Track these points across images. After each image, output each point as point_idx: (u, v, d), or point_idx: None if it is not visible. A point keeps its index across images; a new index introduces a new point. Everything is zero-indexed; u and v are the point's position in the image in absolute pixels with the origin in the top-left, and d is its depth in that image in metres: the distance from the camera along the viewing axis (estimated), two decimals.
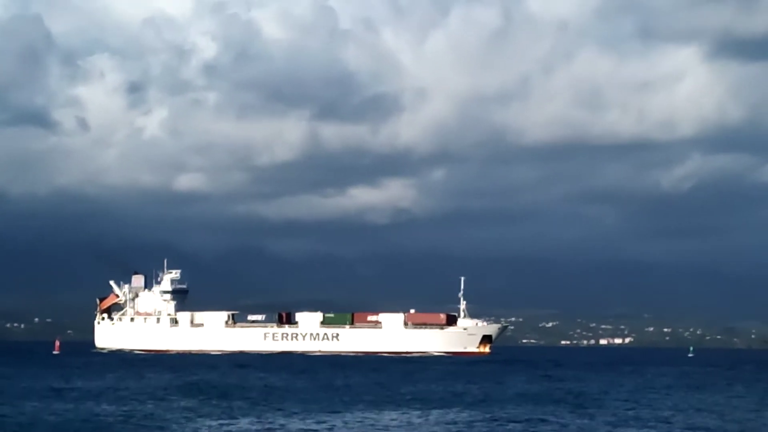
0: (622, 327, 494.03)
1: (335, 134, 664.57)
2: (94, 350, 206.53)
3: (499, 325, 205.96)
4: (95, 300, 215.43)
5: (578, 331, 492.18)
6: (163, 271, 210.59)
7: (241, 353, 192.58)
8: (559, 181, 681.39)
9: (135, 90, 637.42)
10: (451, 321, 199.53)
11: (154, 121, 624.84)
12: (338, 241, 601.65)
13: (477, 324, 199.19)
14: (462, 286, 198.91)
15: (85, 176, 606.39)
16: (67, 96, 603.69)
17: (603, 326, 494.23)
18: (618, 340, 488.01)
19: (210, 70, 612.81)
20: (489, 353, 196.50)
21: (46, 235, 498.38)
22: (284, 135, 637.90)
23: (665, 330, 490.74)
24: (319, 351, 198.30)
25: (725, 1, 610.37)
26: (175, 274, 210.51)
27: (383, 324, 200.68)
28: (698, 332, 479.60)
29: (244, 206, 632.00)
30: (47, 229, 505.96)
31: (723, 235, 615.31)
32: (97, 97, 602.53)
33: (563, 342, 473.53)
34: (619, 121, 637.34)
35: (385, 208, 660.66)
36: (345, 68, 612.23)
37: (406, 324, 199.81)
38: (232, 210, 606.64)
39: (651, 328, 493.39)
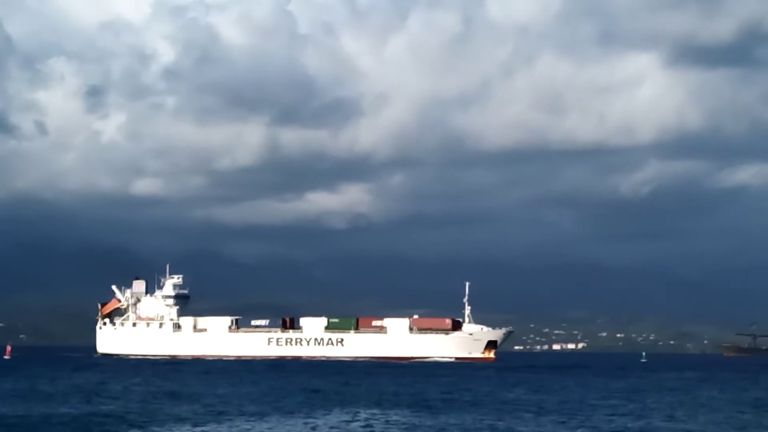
0: (575, 332, 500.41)
1: (294, 139, 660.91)
2: (96, 355, 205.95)
3: (504, 330, 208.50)
4: (97, 305, 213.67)
5: (532, 336, 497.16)
6: (165, 276, 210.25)
7: (246, 358, 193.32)
8: (517, 186, 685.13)
9: (95, 94, 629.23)
10: (457, 326, 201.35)
11: (111, 125, 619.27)
12: (295, 245, 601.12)
13: (482, 329, 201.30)
14: (467, 291, 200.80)
15: (43, 180, 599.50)
16: (26, 100, 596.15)
17: (556, 331, 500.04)
18: (571, 345, 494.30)
19: (170, 74, 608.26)
20: (494, 359, 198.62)
21: (2, 238, 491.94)
22: (243, 139, 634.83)
23: (618, 335, 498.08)
24: (324, 356, 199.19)
25: (688, 7, 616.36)
26: (178, 279, 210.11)
27: (388, 329, 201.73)
28: (651, 337, 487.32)
29: (202, 210, 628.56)
30: (4, 233, 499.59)
31: (679, 240, 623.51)
32: (56, 101, 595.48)
33: (516, 347, 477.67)
34: (578, 126, 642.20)
35: (343, 212, 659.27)
36: (305, 73, 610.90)
37: (411, 329, 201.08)
38: (190, 214, 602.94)
39: (604, 333, 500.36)
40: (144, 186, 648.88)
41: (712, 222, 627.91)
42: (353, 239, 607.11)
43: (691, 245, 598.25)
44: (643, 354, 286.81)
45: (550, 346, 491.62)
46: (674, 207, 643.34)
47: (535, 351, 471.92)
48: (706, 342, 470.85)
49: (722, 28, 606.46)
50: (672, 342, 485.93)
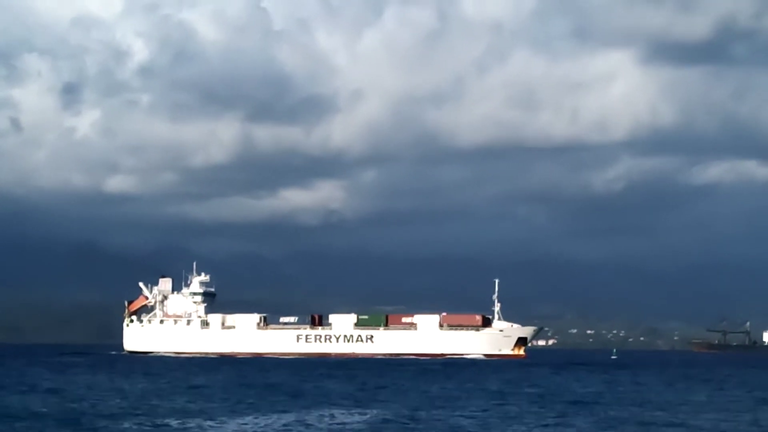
0: (546, 328, 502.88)
1: (268, 135, 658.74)
2: (124, 353, 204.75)
3: (534, 328, 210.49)
4: (123, 302, 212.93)
5: None
6: (192, 274, 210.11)
7: (275, 356, 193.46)
8: (490, 182, 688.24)
9: (69, 91, 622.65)
10: (486, 323, 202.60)
11: (85, 122, 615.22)
12: (267, 242, 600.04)
13: (512, 326, 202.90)
14: (496, 289, 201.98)
15: (15, 177, 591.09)
16: (1, 97, 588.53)
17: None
18: (541, 342, 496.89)
19: (145, 71, 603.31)
20: (525, 356, 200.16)
21: None
22: (217, 136, 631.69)
23: (588, 332, 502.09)
24: (353, 353, 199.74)
25: (663, 3, 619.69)
26: (205, 276, 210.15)
27: (418, 325, 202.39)
28: (621, 334, 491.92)
29: (174, 207, 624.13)
30: None
31: (651, 237, 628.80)
32: (30, 97, 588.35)
33: None
34: (552, 122, 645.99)
35: (316, 209, 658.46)
36: (279, 69, 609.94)
37: (441, 325, 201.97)
38: (163, 211, 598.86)
39: (574, 330, 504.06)
40: (117, 183, 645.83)
41: (683, 218, 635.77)
42: (325, 236, 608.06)
43: (663, 242, 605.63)
44: (614, 351, 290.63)
45: None
46: (646, 203, 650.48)
47: None
48: (676, 338, 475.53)
49: (697, 24, 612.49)
50: (642, 338, 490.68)
